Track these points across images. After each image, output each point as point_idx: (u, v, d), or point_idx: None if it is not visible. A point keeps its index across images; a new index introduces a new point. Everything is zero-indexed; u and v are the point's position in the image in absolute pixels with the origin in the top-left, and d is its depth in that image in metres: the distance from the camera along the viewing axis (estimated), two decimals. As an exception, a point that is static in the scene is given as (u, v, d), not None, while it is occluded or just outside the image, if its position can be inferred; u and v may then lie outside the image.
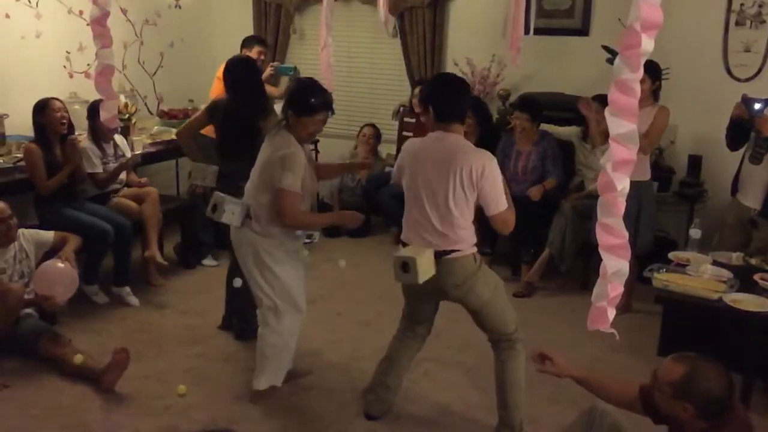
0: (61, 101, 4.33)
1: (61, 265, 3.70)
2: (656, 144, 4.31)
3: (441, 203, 2.82)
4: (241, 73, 3.83)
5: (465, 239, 2.86)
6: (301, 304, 3.27)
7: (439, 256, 2.85)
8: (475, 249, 2.91)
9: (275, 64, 5.44)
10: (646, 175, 4.17)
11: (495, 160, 2.82)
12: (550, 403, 3.34)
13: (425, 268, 2.78)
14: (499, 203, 2.82)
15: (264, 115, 3.72)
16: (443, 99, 2.88)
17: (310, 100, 3.03)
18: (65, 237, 3.90)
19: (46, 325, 3.73)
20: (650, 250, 4.21)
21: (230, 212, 3.13)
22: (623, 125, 1.87)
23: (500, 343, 3.00)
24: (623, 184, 1.93)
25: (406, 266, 2.79)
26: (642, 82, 1.95)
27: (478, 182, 2.77)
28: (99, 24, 2.97)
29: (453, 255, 2.85)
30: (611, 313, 2.16)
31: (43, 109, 4.21)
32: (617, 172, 1.90)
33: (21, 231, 3.79)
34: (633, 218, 4.08)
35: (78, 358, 3.38)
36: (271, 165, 3.05)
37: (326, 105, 3.08)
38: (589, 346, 3.75)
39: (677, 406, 2.04)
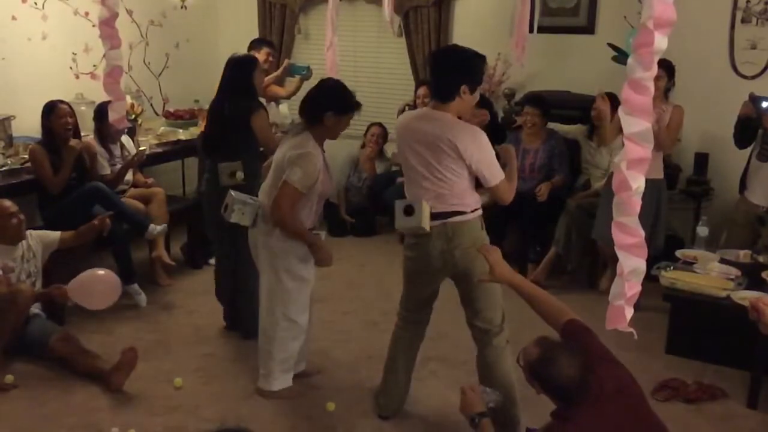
0: (68, 105, 4.34)
1: (101, 272, 3.65)
2: (675, 142, 4.31)
3: (435, 177, 2.81)
4: (235, 73, 3.83)
5: (466, 201, 2.84)
6: (298, 318, 3.28)
7: (442, 217, 2.83)
8: (479, 213, 2.89)
9: (290, 61, 5.46)
10: (660, 173, 4.16)
11: (483, 133, 2.80)
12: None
13: (426, 216, 2.79)
14: (495, 174, 2.81)
15: (250, 115, 3.72)
16: (432, 76, 2.93)
17: (353, 99, 3.15)
18: (71, 233, 3.92)
19: (55, 325, 3.75)
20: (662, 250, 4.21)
21: (239, 212, 3.15)
22: (637, 123, 1.86)
23: (487, 336, 2.93)
24: (638, 183, 1.93)
25: (410, 209, 2.79)
26: (658, 78, 1.95)
27: (468, 157, 2.76)
28: (107, 25, 2.99)
29: (458, 218, 2.83)
30: (629, 312, 2.17)
31: (49, 112, 4.23)
32: (632, 170, 1.89)
33: (29, 231, 3.81)
34: (652, 216, 4.08)
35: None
36: (284, 162, 3.07)
37: (359, 103, 3.20)
38: None
39: (532, 383, 2.22)
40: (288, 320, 3.26)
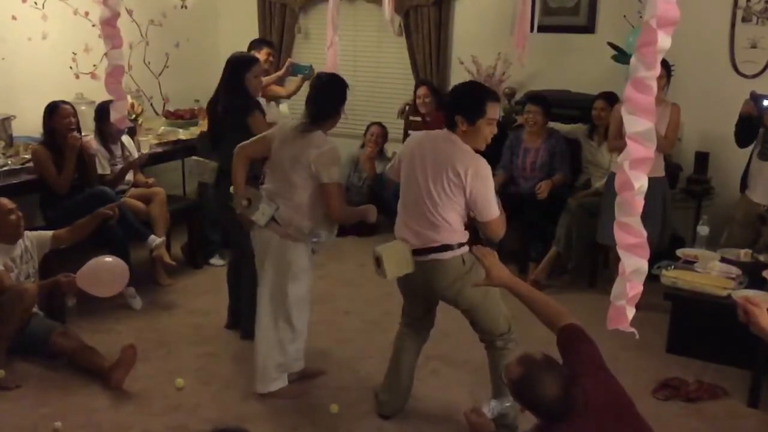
0: (71, 105, 4.34)
1: (108, 259, 3.67)
2: (674, 141, 4.33)
3: (429, 200, 2.84)
4: (228, 72, 3.86)
5: (449, 239, 2.86)
6: (297, 323, 3.31)
7: (424, 253, 2.86)
8: (464, 249, 2.90)
9: (293, 60, 5.45)
10: (662, 172, 4.19)
11: (488, 167, 2.83)
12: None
13: (394, 266, 2.85)
14: (491, 210, 2.83)
15: (246, 116, 3.74)
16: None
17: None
18: (65, 229, 3.92)
19: (54, 322, 3.74)
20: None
21: (261, 212, 3.15)
22: (640, 123, 1.86)
23: (493, 343, 3.00)
24: (640, 183, 1.92)
25: (378, 261, 2.86)
26: (659, 77, 1.94)
27: (467, 185, 2.78)
28: (109, 25, 2.99)
29: (439, 256, 2.85)
30: (630, 312, 2.15)
31: (52, 113, 4.23)
32: (634, 170, 1.88)
33: (25, 233, 3.79)
34: (660, 214, 4.10)
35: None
36: (311, 163, 3.07)
37: None
38: (597, 344, 3.74)
39: (516, 400, 2.17)
40: (289, 323, 3.28)
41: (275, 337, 3.27)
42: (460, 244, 2.89)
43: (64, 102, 4.32)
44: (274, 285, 3.23)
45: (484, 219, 2.85)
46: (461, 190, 2.79)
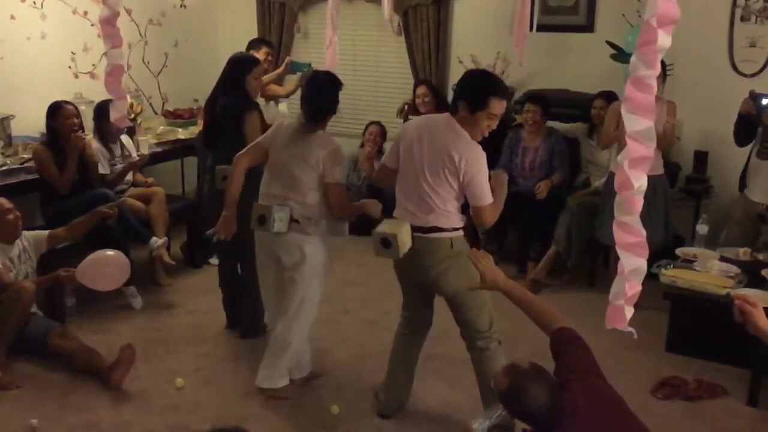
0: (74, 105, 4.33)
1: (109, 253, 3.68)
2: (674, 139, 4.35)
3: (426, 184, 2.85)
4: (229, 71, 3.87)
5: (444, 222, 2.87)
6: (309, 326, 3.37)
7: (416, 231, 2.88)
8: (456, 234, 2.91)
9: (291, 59, 5.45)
10: (661, 170, 4.20)
11: (483, 154, 2.83)
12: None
13: (404, 242, 2.85)
14: (483, 196, 2.83)
15: (243, 116, 3.73)
16: None
17: None
18: (62, 229, 3.92)
19: (53, 322, 3.74)
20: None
21: (279, 220, 3.14)
22: (640, 122, 1.86)
23: (474, 341, 2.98)
24: (640, 182, 1.92)
25: (386, 242, 2.85)
26: (658, 76, 1.95)
27: (462, 170, 2.78)
28: (109, 24, 2.98)
29: (429, 235, 2.87)
30: (629, 312, 2.15)
31: (54, 113, 4.22)
32: (634, 169, 1.89)
33: (23, 232, 3.79)
34: (662, 213, 4.11)
35: None
36: (319, 162, 3.09)
37: None
38: (596, 343, 3.66)
39: (506, 410, 2.18)
40: (305, 327, 3.30)
41: (294, 339, 3.27)
42: (454, 229, 2.90)
43: (66, 102, 4.31)
44: (304, 289, 3.21)
45: (475, 204, 2.85)
46: (456, 175, 2.80)
